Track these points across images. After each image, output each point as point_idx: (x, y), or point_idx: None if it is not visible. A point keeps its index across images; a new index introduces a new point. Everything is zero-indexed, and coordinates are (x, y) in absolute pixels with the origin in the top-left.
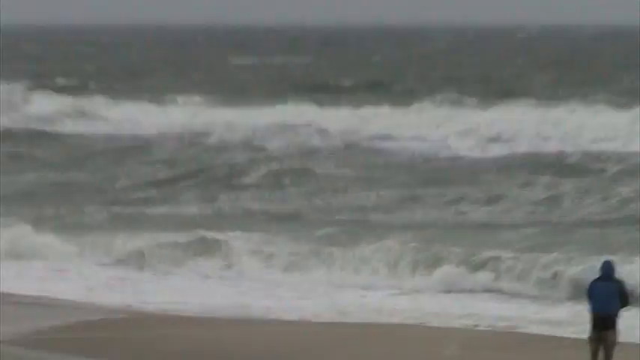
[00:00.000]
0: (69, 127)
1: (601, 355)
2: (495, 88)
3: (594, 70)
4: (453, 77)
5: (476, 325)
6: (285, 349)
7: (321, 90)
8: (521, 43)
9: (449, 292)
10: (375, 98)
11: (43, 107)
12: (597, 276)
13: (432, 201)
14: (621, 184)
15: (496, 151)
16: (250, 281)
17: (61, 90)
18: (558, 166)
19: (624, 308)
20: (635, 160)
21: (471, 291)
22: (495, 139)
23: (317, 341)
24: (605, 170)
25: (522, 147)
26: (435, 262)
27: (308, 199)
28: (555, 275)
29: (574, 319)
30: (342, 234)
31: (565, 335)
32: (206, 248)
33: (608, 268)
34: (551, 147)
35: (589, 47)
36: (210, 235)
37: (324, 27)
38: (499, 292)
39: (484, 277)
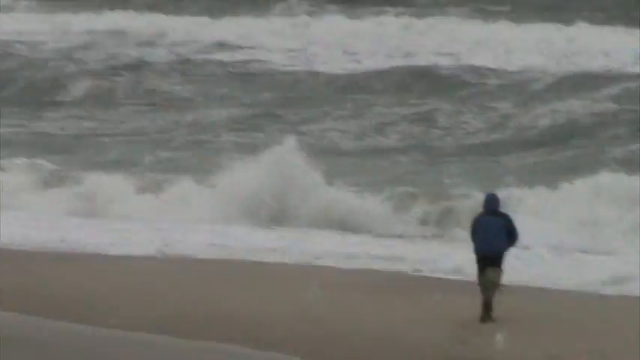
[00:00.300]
0: None
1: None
2: None
3: None
4: None
5: (337, 265)
6: (112, 287)
7: None
8: None
9: (303, 226)
10: (219, 2)
11: None
12: (480, 210)
13: (290, 120)
14: (502, 101)
15: (362, 64)
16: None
17: None
18: (430, 80)
19: (511, 246)
20: (515, 76)
21: (339, 228)
22: (361, 52)
23: (149, 279)
24: (483, 84)
25: (391, 60)
26: (285, 191)
27: (149, 119)
28: (433, 210)
29: (461, 261)
30: (190, 158)
31: (446, 277)
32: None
33: (491, 201)
34: (423, 59)
35: None
36: (22, 161)
37: None
38: (365, 230)
39: (347, 211)
